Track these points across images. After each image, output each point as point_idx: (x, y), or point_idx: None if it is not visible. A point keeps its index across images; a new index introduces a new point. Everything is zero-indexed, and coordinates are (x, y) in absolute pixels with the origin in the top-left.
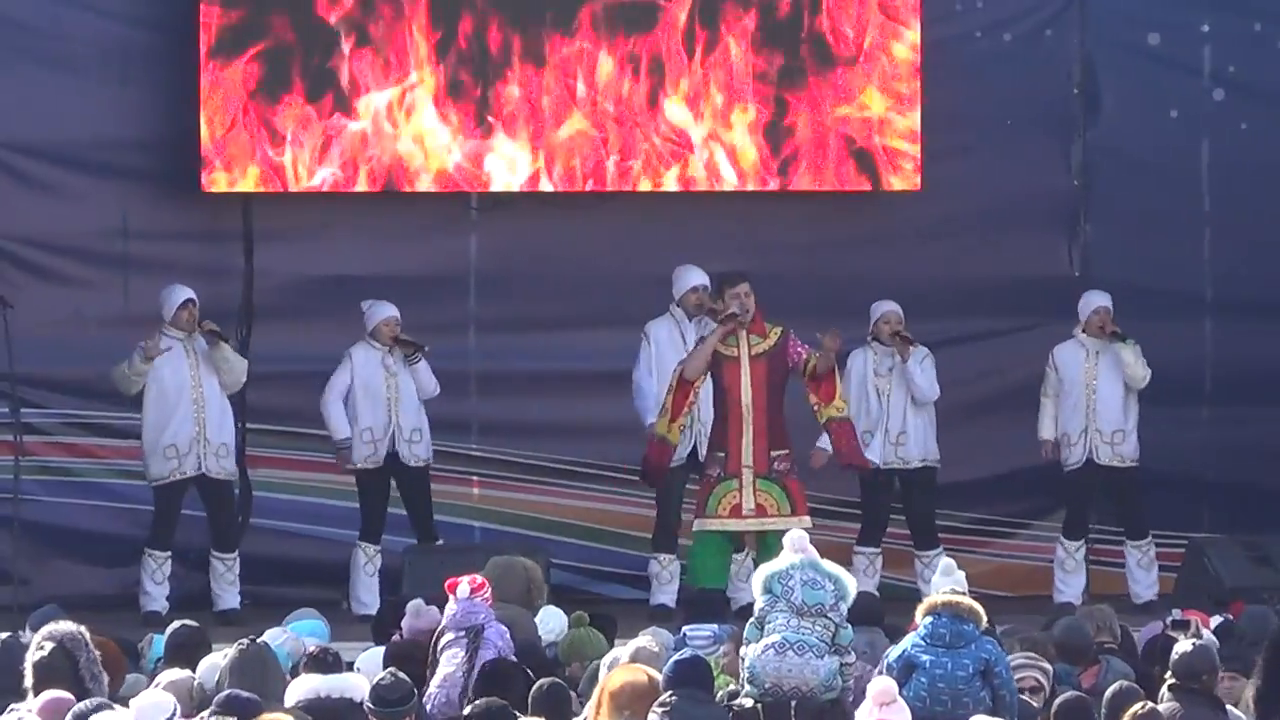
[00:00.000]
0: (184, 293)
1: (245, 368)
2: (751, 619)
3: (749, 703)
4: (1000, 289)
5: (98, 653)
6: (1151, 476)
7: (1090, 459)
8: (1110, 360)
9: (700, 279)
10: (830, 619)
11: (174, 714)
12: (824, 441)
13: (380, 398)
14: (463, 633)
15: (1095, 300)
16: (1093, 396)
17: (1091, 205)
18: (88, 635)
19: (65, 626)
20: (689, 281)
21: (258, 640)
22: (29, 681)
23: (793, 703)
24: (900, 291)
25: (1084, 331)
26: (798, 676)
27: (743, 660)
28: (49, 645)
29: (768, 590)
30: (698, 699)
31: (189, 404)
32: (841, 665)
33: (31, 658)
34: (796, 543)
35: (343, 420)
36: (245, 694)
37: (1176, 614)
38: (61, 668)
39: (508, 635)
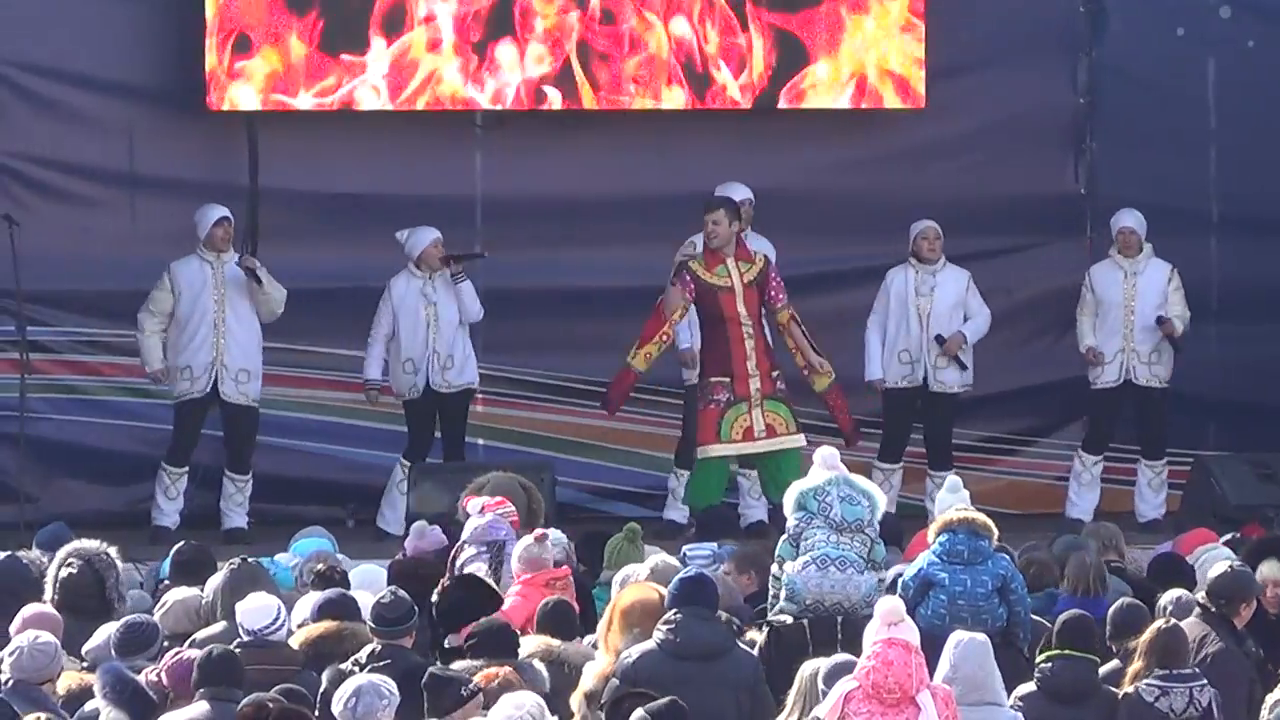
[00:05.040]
0: (217, 211)
1: (283, 297)
2: (784, 537)
3: (788, 619)
4: (1006, 207)
5: (123, 573)
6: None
7: (1127, 380)
8: (1148, 281)
9: (747, 194)
10: (867, 535)
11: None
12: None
13: (419, 325)
14: (484, 548)
15: (1122, 220)
16: (1130, 317)
17: (1097, 123)
18: (116, 556)
19: (93, 545)
20: (739, 197)
21: (249, 559)
22: (48, 595)
23: (839, 619)
24: (906, 211)
25: (1119, 251)
26: (840, 592)
27: (775, 578)
28: (77, 563)
29: (801, 507)
30: (702, 616)
31: (209, 328)
32: (879, 582)
33: (58, 573)
34: (828, 459)
35: (377, 362)
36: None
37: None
38: (89, 585)
39: None
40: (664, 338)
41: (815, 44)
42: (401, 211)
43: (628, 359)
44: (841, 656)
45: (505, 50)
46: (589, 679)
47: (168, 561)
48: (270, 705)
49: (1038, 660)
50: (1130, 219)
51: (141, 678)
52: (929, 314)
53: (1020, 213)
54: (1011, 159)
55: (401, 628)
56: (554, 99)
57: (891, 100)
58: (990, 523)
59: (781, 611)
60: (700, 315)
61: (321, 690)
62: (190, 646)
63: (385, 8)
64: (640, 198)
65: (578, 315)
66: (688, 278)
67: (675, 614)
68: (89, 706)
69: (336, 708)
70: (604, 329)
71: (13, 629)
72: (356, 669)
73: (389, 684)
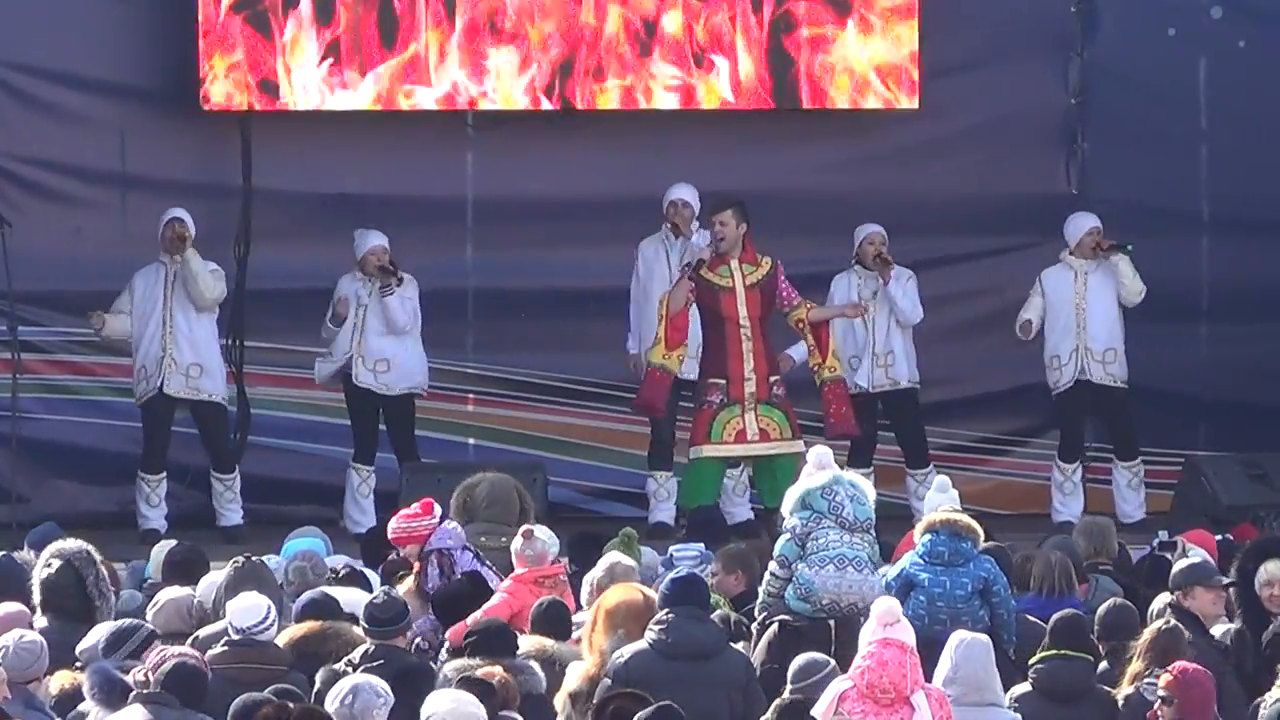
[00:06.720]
0: (171, 213)
1: (215, 285)
2: (786, 536)
3: (800, 621)
4: (998, 207)
5: (105, 571)
6: (1148, 395)
7: (1081, 379)
8: (1100, 279)
9: (679, 194)
10: (871, 534)
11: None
12: (795, 350)
13: (348, 325)
14: (470, 553)
15: (1086, 222)
16: (1083, 316)
17: (1089, 123)
18: (96, 554)
19: (72, 544)
20: (669, 196)
21: (253, 558)
22: (36, 598)
23: (862, 618)
24: (898, 210)
25: (1073, 254)
26: (857, 592)
27: (775, 576)
28: (56, 563)
29: (807, 506)
30: (695, 616)
31: (157, 324)
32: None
33: (39, 575)
34: (823, 459)
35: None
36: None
37: (1164, 535)
38: (70, 585)
39: None
40: (687, 334)
41: (808, 44)
42: (393, 212)
43: (659, 362)
44: (807, 655)
45: (497, 50)
46: (573, 679)
47: (150, 562)
48: (292, 706)
49: (1033, 660)
50: (1092, 219)
51: (129, 677)
52: (874, 317)
53: (1012, 213)
54: (1003, 159)
55: (394, 628)
56: (546, 99)
57: (884, 101)
58: (974, 524)
59: (789, 610)
60: (701, 315)
61: (315, 691)
62: (192, 644)
63: (378, 9)
64: (633, 198)
65: (570, 315)
66: (693, 275)
67: (667, 614)
68: (82, 707)
69: (332, 705)
70: (596, 329)
71: None
72: (350, 669)
73: (383, 684)
